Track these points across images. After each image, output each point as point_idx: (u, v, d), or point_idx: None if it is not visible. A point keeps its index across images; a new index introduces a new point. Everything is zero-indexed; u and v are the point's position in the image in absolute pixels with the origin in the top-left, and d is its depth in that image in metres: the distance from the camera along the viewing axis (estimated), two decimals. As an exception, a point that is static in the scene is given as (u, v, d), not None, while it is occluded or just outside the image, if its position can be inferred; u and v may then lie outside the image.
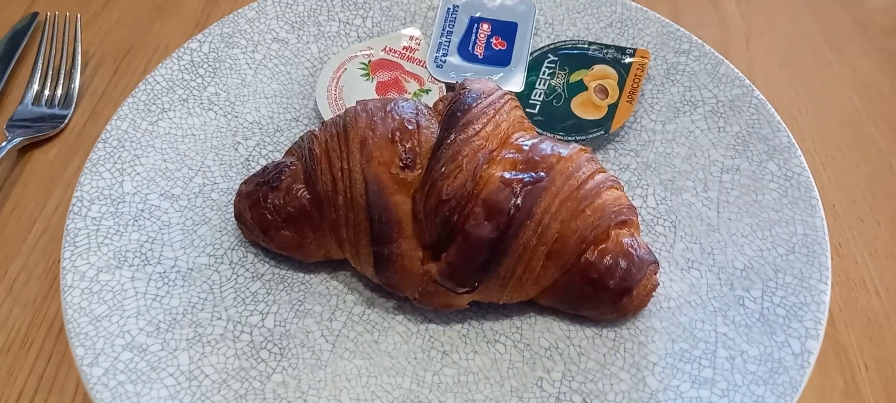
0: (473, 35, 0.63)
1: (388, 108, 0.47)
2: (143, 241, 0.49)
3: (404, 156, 0.45)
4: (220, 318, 0.46)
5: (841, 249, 0.56)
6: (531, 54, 0.62)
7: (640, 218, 0.51)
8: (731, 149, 0.54)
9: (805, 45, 0.73)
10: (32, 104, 0.64)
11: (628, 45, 0.62)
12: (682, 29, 0.62)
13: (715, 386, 0.43)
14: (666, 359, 0.45)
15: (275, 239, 0.48)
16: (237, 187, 0.52)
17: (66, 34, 0.69)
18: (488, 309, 0.48)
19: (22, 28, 0.70)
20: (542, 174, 0.44)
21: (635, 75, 0.59)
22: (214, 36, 0.61)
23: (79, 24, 0.69)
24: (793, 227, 0.49)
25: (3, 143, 0.59)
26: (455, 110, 0.46)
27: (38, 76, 0.65)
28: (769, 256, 0.48)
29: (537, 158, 0.45)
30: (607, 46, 0.61)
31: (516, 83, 0.60)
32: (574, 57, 0.61)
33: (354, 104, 0.48)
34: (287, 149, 0.53)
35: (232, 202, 0.52)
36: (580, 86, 0.59)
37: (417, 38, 0.63)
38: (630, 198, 0.52)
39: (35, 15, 0.72)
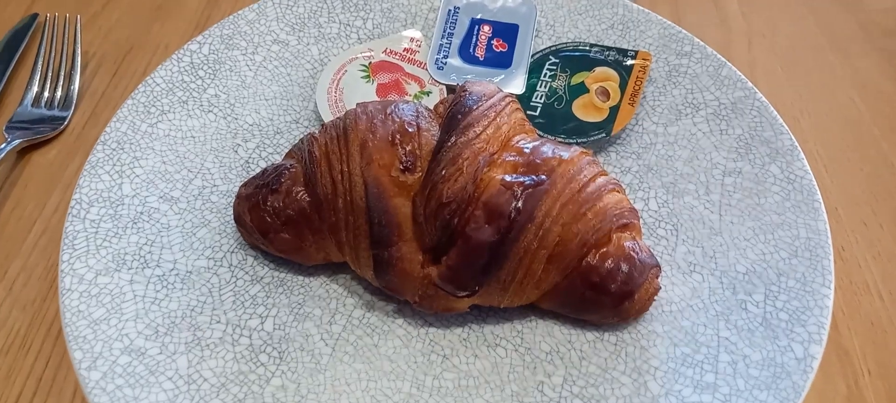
0: (474, 37, 0.63)
1: (388, 111, 0.47)
2: (142, 244, 0.49)
3: (404, 158, 0.45)
4: (219, 322, 0.46)
5: (844, 252, 0.56)
6: (532, 56, 0.62)
7: (641, 221, 0.51)
8: (733, 152, 0.54)
9: (807, 46, 0.73)
10: (32, 105, 0.63)
11: (630, 47, 0.62)
12: (683, 31, 0.62)
13: (717, 391, 0.42)
14: (668, 364, 0.44)
15: (274, 241, 0.48)
16: (237, 189, 0.52)
17: (66, 35, 0.69)
18: (489, 313, 0.47)
19: (22, 29, 0.70)
20: (544, 177, 0.44)
21: (637, 77, 0.59)
22: (214, 37, 0.61)
23: (78, 25, 0.69)
24: (795, 231, 0.49)
25: (3, 145, 0.59)
26: (455, 113, 0.46)
27: (38, 77, 0.65)
28: (772, 260, 0.48)
29: (538, 161, 0.45)
30: (609, 48, 0.61)
31: (517, 85, 0.60)
32: (575, 59, 0.61)
33: (354, 106, 0.48)
34: (287, 151, 0.53)
35: (231, 204, 0.52)
36: (581, 89, 0.59)
37: (418, 40, 0.63)
38: (631, 201, 0.52)
39: (35, 16, 0.72)
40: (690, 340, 0.45)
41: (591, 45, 0.62)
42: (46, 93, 0.64)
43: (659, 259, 0.49)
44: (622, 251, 0.45)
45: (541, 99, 0.59)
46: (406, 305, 0.47)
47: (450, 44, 0.62)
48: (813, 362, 0.42)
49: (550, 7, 0.65)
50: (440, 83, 0.60)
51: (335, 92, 0.59)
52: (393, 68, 0.61)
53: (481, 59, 0.61)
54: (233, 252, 0.50)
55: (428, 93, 0.59)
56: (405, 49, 0.62)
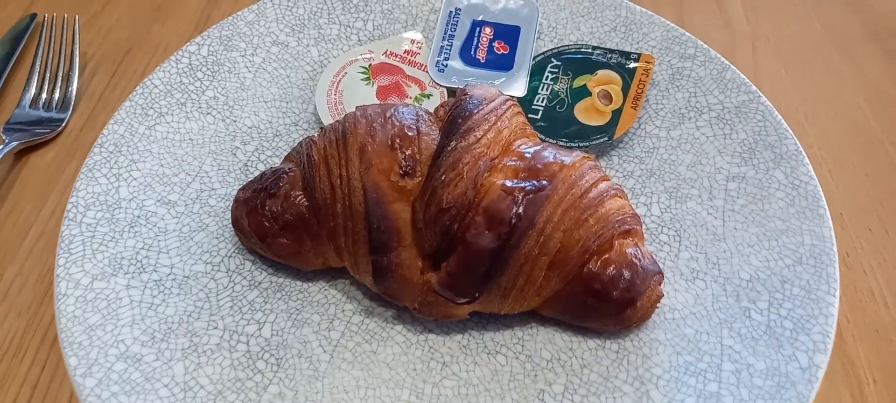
0: (476, 39, 0.62)
1: (387, 114, 0.46)
2: (139, 248, 0.48)
3: (404, 163, 0.44)
4: (216, 328, 0.45)
5: (849, 259, 0.55)
6: (534, 59, 0.61)
7: (644, 227, 0.50)
8: (737, 157, 0.54)
9: (812, 48, 0.72)
10: (30, 107, 0.63)
11: (633, 50, 0.61)
12: (687, 33, 0.61)
13: (720, 401, 0.42)
14: (670, 372, 0.44)
15: (272, 246, 0.47)
16: (235, 193, 0.51)
17: (65, 36, 0.68)
18: (489, 320, 0.47)
19: (20, 29, 0.70)
20: (545, 182, 0.43)
21: (640, 80, 0.58)
22: (213, 39, 0.60)
23: (77, 26, 0.69)
24: (800, 237, 0.48)
25: (0, 147, 0.58)
26: (456, 116, 0.45)
27: (36, 78, 0.65)
28: (776, 267, 0.47)
29: (539, 166, 0.44)
30: (611, 51, 0.60)
31: (519, 88, 0.59)
32: (577, 61, 0.60)
33: (354, 110, 0.48)
34: (286, 154, 0.52)
35: (229, 208, 0.51)
36: (584, 92, 0.58)
37: (419, 42, 0.62)
38: (634, 207, 0.52)
39: (33, 16, 0.71)
40: (693, 348, 0.45)
41: (594, 48, 0.61)
42: (44, 95, 0.64)
43: (661, 265, 0.48)
44: (624, 257, 0.44)
45: (542, 102, 0.58)
46: (405, 311, 0.47)
47: (451, 46, 0.62)
48: (818, 372, 0.42)
49: (552, 9, 0.65)
50: (441, 85, 0.59)
51: (335, 94, 0.58)
52: (393, 70, 0.60)
53: (482, 62, 0.61)
54: (230, 256, 0.49)
55: (428, 96, 0.59)
56: (406, 51, 0.62)
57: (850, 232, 0.57)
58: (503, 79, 0.60)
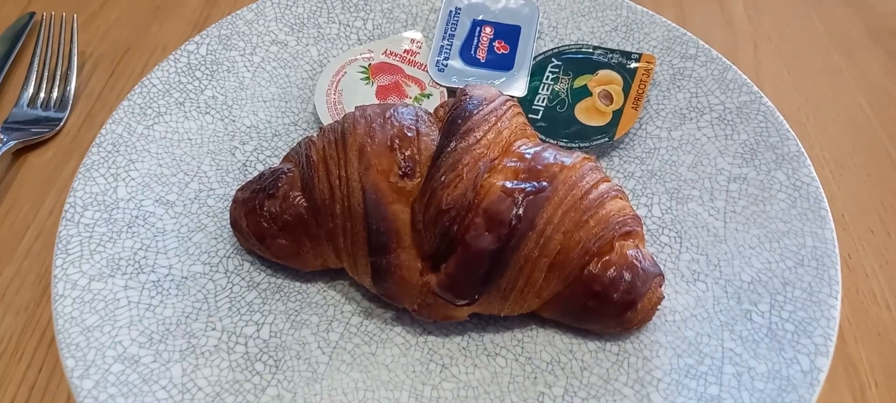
0: (476, 38, 0.62)
1: (387, 115, 0.46)
2: (137, 249, 0.48)
3: (403, 164, 0.44)
4: (214, 329, 0.45)
5: (850, 261, 0.55)
6: (534, 58, 0.61)
7: (644, 228, 0.50)
8: (738, 158, 0.53)
9: (814, 49, 0.72)
10: (28, 106, 0.63)
11: (634, 50, 0.61)
12: (688, 33, 0.61)
13: (721, 404, 0.42)
14: (671, 375, 0.43)
15: (271, 247, 0.47)
16: (233, 193, 0.51)
17: (63, 35, 0.68)
18: (489, 322, 0.47)
19: (19, 28, 0.69)
20: (545, 183, 0.43)
21: (641, 81, 0.58)
22: (212, 38, 0.60)
23: (75, 24, 0.68)
24: (802, 239, 0.48)
25: (-2, 146, 0.58)
26: (456, 117, 0.45)
27: (34, 78, 0.64)
28: (777, 269, 0.47)
29: (540, 167, 0.44)
30: (612, 51, 0.60)
31: (519, 88, 0.59)
32: (578, 61, 0.60)
33: (353, 110, 0.47)
34: (285, 154, 0.52)
35: (228, 208, 0.51)
36: (584, 92, 0.58)
37: (419, 41, 0.62)
38: (635, 208, 0.51)
39: (32, 14, 0.71)
40: (694, 351, 0.44)
41: (595, 48, 0.61)
42: (42, 94, 0.64)
43: (662, 267, 0.48)
44: (625, 259, 0.44)
45: (543, 102, 0.58)
46: (404, 313, 0.47)
47: (451, 45, 0.61)
48: (819, 375, 0.42)
49: (553, 8, 0.64)
50: (441, 85, 0.59)
51: (334, 94, 0.58)
52: (393, 70, 0.60)
53: (483, 61, 0.61)
54: (229, 257, 0.49)
55: (428, 96, 0.59)
56: (405, 50, 0.61)
57: (852, 233, 0.56)
58: (503, 79, 0.59)
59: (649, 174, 0.54)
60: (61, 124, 0.62)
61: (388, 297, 0.45)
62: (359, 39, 0.63)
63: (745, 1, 0.77)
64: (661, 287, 0.45)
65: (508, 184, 0.43)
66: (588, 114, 0.57)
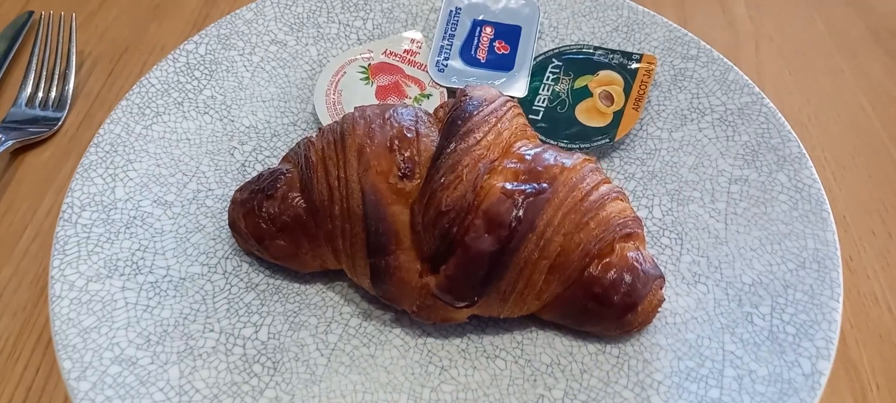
0: (476, 38, 0.62)
1: (386, 115, 0.46)
2: (135, 250, 0.48)
3: (403, 165, 0.44)
4: (212, 330, 0.45)
5: (852, 263, 0.54)
6: (535, 59, 0.61)
7: (645, 230, 0.49)
8: (739, 159, 0.53)
9: (815, 49, 0.71)
10: (26, 105, 0.62)
11: (635, 50, 0.60)
12: (689, 34, 0.60)
13: (722, 407, 0.41)
14: (671, 378, 0.43)
15: (269, 248, 0.47)
16: (232, 194, 0.51)
17: (61, 34, 0.68)
18: (488, 324, 0.46)
19: (17, 27, 0.69)
20: (545, 185, 0.43)
21: (641, 81, 0.57)
22: (211, 37, 0.60)
23: (73, 23, 0.68)
24: (803, 241, 0.48)
25: (-5, 146, 0.58)
26: (455, 118, 0.45)
27: (32, 77, 0.64)
28: (778, 271, 0.47)
29: (540, 168, 0.44)
30: (613, 51, 0.60)
31: (519, 88, 0.58)
32: (579, 62, 0.60)
33: (353, 110, 0.47)
34: (284, 155, 0.51)
35: (227, 209, 0.51)
36: (585, 93, 0.58)
37: (419, 41, 0.62)
38: (635, 209, 0.51)
39: (30, 13, 0.71)
40: (695, 353, 0.44)
41: (595, 48, 0.60)
42: (41, 94, 0.63)
43: (663, 269, 0.48)
44: (625, 261, 0.43)
45: (543, 103, 0.57)
46: (404, 315, 0.46)
47: (451, 45, 0.61)
48: (821, 378, 0.41)
49: (554, 8, 0.64)
50: (441, 86, 0.59)
51: (334, 94, 0.58)
52: (393, 70, 0.60)
53: (483, 62, 0.60)
54: (227, 258, 0.49)
55: (428, 96, 0.58)
56: (405, 50, 0.61)
57: (854, 235, 0.56)
58: (504, 79, 0.59)
59: (650, 175, 0.54)
60: (59, 124, 0.62)
61: (387, 299, 0.45)
62: (358, 39, 0.63)
63: (746, 1, 0.77)
64: (661, 289, 0.45)
65: (508, 186, 0.43)
66: (589, 114, 0.56)
